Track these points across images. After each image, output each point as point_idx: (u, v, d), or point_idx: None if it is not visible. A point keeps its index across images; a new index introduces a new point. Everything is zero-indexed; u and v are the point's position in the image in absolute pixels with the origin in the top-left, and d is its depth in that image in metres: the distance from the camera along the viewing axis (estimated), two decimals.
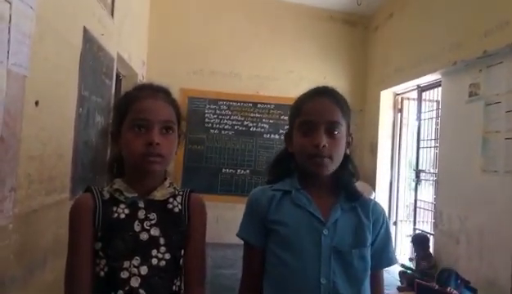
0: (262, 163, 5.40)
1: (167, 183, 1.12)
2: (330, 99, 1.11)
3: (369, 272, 1.08)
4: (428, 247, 4.05)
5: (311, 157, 1.06)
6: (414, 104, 4.99)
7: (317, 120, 1.07)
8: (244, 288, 1.16)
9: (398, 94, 5.23)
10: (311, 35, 5.64)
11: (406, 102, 5.23)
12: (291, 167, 1.17)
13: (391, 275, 4.24)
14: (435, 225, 4.09)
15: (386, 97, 5.27)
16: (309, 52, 5.62)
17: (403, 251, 4.88)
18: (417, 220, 4.69)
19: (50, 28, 2.04)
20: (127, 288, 1.00)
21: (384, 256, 1.13)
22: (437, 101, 4.35)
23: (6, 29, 1.56)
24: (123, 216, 1.04)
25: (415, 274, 3.82)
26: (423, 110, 4.69)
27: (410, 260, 4.36)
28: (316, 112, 1.08)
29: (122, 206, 1.05)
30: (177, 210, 1.10)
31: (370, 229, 1.10)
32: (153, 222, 1.06)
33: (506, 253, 3.01)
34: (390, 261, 1.15)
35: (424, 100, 4.69)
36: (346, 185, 1.13)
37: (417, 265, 4.03)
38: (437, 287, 3.36)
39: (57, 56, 2.17)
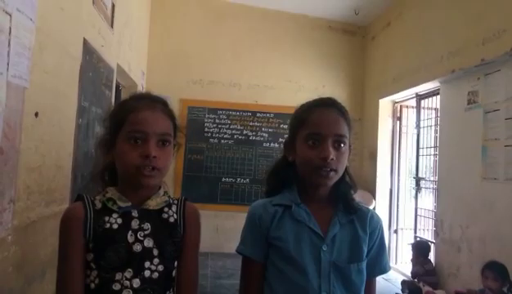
0: (262, 172, 5.38)
1: (161, 191, 1.10)
2: (337, 111, 1.11)
3: (365, 283, 1.09)
4: (428, 254, 4.06)
5: (317, 169, 1.05)
6: (413, 112, 4.99)
7: (325, 133, 1.06)
8: None
9: (397, 102, 5.24)
10: (309, 44, 5.67)
11: (404, 110, 5.24)
12: (290, 177, 1.16)
13: (391, 283, 4.22)
14: (436, 233, 4.07)
15: (385, 105, 5.29)
16: (308, 61, 5.65)
17: (404, 260, 4.85)
18: (418, 228, 4.67)
19: (50, 40, 2.05)
20: None
21: (378, 266, 1.14)
22: (436, 109, 4.36)
23: (6, 41, 1.57)
24: (115, 226, 1.02)
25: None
26: (422, 118, 4.69)
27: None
28: (323, 124, 1.07)
29: (114, 215, 1.03)
30: (172, 220, 1.08)
31: (367, 241, 1.11)
32: (147, 232, 1.03)
33: (508, 261, 3.00)
34: (383, 270, 1.16)
35: (423, 107, 4.69)
36: (344, 197, 1.12)
37: (413, 268, 4.06)
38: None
39: (57, 68, 2.18)
